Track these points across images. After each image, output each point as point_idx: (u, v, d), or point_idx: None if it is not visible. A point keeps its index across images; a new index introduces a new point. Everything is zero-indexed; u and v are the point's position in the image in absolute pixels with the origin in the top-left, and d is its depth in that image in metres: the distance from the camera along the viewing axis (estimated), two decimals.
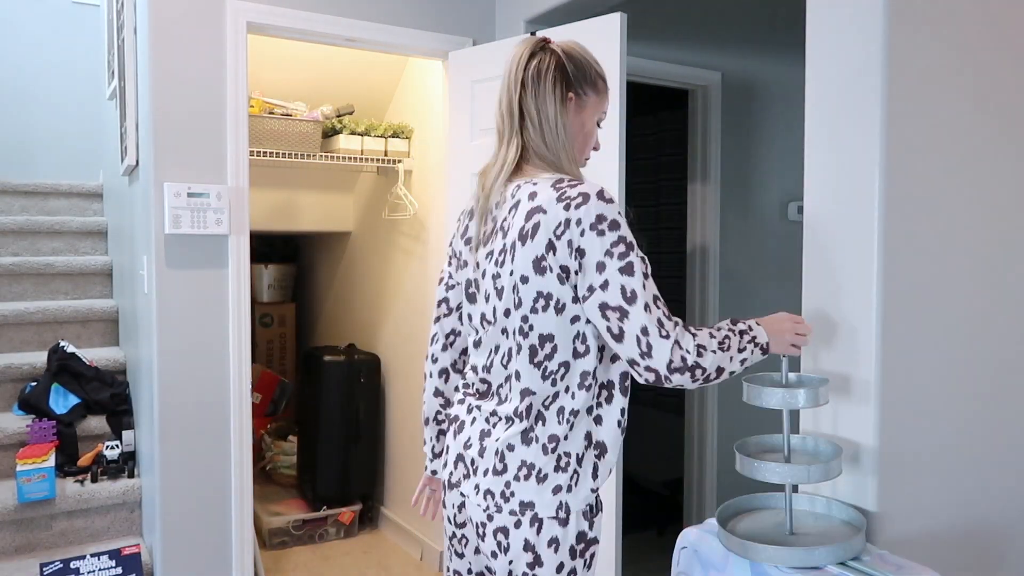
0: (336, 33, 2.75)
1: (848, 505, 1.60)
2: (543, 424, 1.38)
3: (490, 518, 1.41)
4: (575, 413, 1.38)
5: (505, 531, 1.39)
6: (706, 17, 3.35)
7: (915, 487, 1.66)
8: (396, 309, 3.68)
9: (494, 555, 1.42)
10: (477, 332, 1.50)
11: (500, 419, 1.43)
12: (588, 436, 1.39)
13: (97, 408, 3.10)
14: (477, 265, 1.47)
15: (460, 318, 1.61)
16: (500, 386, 1.45)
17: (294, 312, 4.66)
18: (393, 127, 3.50)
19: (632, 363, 1.31)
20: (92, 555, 2.58)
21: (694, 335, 1.31)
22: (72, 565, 2.55)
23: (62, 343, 3.25)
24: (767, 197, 3.59)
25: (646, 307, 1.28)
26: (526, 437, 1.38)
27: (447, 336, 1.64)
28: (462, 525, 1.50)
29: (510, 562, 1.39)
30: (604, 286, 1.30)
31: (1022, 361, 1.87)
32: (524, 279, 1.35)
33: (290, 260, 4.84)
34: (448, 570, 1.62)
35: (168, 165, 2.49)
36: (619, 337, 1.30)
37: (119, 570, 2.59)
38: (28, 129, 4.62)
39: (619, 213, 1.33)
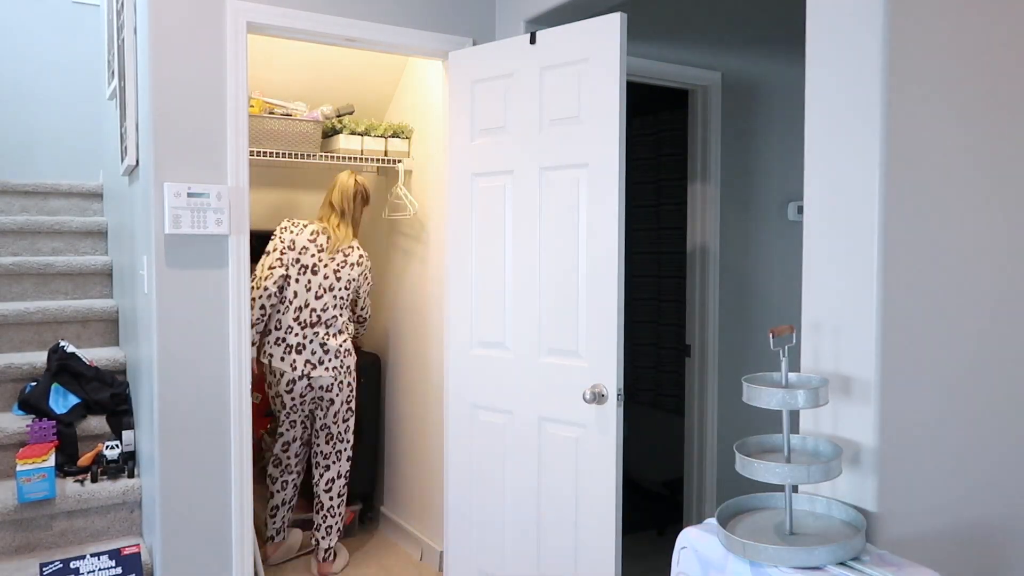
0: (336, 33, 2.75)
1: (848, 505, 1.60)
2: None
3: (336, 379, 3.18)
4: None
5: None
6: (706, 17, 3.35)
7: (915, 487, 1.66)
8: (396, 309, 3.68)
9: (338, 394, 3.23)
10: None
11: (331, 334, 3.18)
12: None
13: (97, 408, 3.10)
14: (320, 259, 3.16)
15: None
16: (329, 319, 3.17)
17: None
18: (393, 127, 3.50)
19: None
20: (92, 555, 2.58)
21: None
22: (72, 565, 2.55)
23: (62, 343, 3.25)
24: (767, 197, 3.59)
25: None
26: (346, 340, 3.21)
27: (274, 283, 3.14)
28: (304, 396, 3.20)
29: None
30: None
31: (1022, 361, 1.87)
32: (350, 279, 3.22)
33: None
34: (284, 445, 3.29)
35: (168, 165, 2.49)
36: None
37: (119, 570, 2.59)
38: (28, 129, 4.62)
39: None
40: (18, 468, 2.65)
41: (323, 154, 3.41)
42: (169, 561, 2.54)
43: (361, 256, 3.24)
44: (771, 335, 1.55)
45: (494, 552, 2.76)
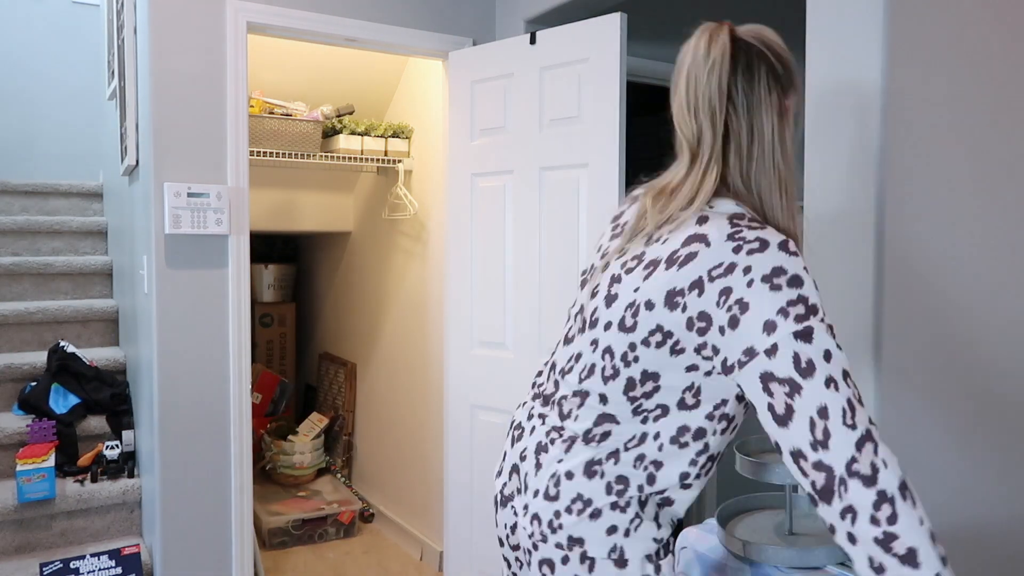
0: (336, 33, 2.75)
1: None
2: (615, 463, 1.16)
3: (535, 547, 1.19)
4: (656, 464, 1.17)
5: (551, 564, 1.17)
6: (706, 17, 3.35)
7: (915, 487, 1.66)
8: (396, 309, 3.68)
9: None
10: (570, 326, 1.28)
11: (561, 437, 1.21)
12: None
13: (97, 408, 3.10)
14: (603, 255, 1.30)
15: None
16: (566, 398, 1.22)
17: (294, 312, 4.67)
18: (393, 127, 3.50)
19: (797, 457, 1.00)
20: (92, 555, 2.58)
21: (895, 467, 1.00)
22: (72, 565, 2.55)
23: (62, 343, 3.25)
24: None
25: (828, 382, 0.99)
26: (590, 469, 1.17)
27: None
28: (516, 547, 1.25)
29: None
30: (771, 351, 1.01)
31: (1022, 361, 1.87)
32: (649, 304, 1.12)
33: (290, 260, 4.84)
34: None
35: (168, 165, 2.49)
36: (783, 419, 1.01)
37: (119, 570, 2.59)
38: (28, 129, 4.62)
39: (804, 269, 1.05)
40: (18, 468, 2.65)
41: (323, 154, 3.41)
42: (169, 561, 2.54)
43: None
44: None
45: (494, 552, 2.76)
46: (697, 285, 1.06)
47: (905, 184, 1.62)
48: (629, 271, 1.16)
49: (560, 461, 1.18)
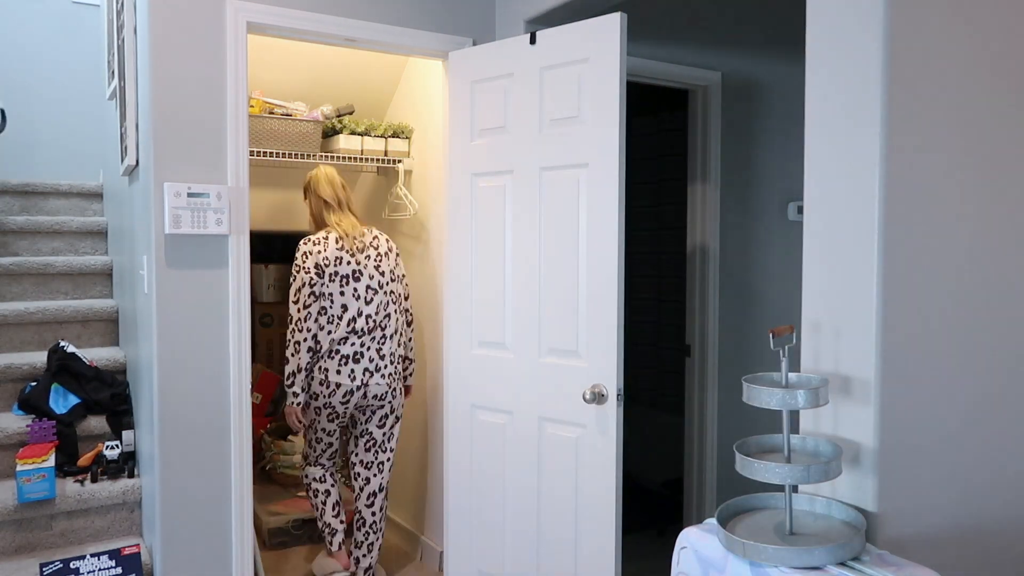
0: (336, 33, 2.75)
1: (848, 505, 1.60)
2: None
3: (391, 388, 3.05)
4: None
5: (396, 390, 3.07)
6: (706, 17, 3.35)
7: (915, 487, 1.66)
8: None
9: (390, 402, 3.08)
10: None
11: (387, 337, 3.04)
12: None
13: (97, 408, 3.10)
14: (356, 261, 3.03)
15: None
16: (381, 321, 3.04)
17: None
18: (393, 127, 3.50)
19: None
20: (92, 555, 2.58)
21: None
22: (72, 565, 2.55)
23: (62, 343, 3.25)
24: (767, 197, 3.59)
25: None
26: (399, 342, 3.10)
27: (316, 314, 2.97)
28: (357, 405, 3.04)
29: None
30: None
31: (1022, 361, 1.87)
32: (392, 268, 3.11)
33: (290, 260, 4.83)
34: (325, 445, 3.09)
35: (168, 165, 2.49)
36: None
37: (119, 570, 2.59)
38: (28, 129, 4.62)
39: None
40: (18, 468, 2.65)
41: (323, 154, 3.41)
42: (169, 561, 2.54)
43: (387, 240, 3.11)
44: (771, 335, 1.55)
45: (494, 552, 2.76)
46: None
47: (905, 184, 1.62)
48: (379, 259, 3.06)
49: (392, 350, 3.08)
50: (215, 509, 2.60)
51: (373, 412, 3.06)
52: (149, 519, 2.72)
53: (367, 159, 3.44)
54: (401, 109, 3.70)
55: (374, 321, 2.99)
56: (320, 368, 2.95)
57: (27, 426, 2.90)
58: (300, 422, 2.96)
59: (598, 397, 2.41)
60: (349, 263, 2.97)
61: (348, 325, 2.94)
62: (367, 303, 2.98)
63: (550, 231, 2.56)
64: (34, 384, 3.11)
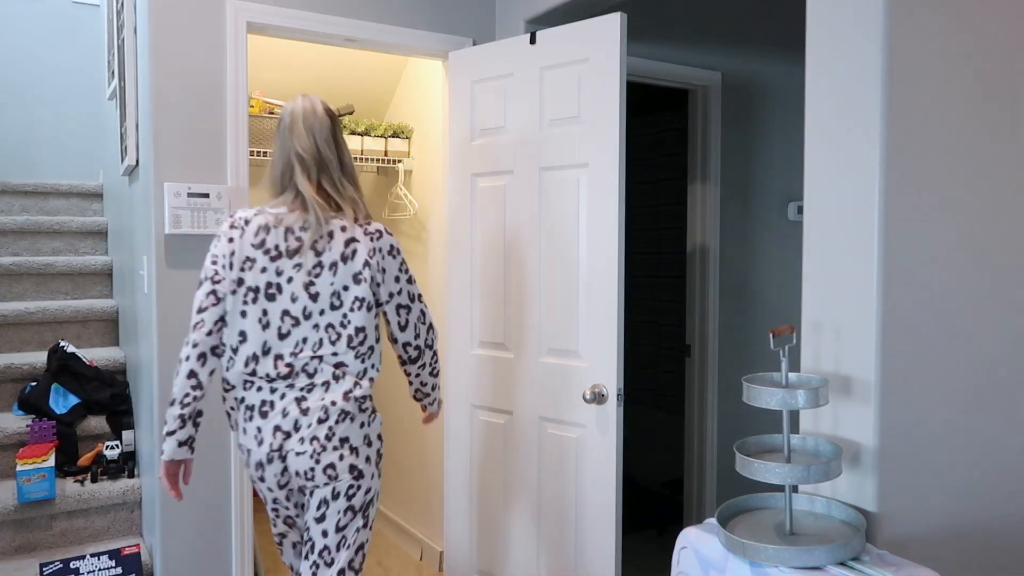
0: (336, 33, 2.75)
1: (848, 505, 1.60)
2: (360, 388, 1.91)
3: (317, 460, 1.86)
4: (372, 380, 1.96)
5: (332, 465, 1.87)
6: (706, 17, 3.35)
7: (915, 487, 1.66)
8: None
9: (326, 484, 1.88)
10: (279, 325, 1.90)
11: (316, 386, 1.89)
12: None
13: (97, 408, 3.10)
14: (277, 271, 1.88)
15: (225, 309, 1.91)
16: (305, 366, 1.89)
17: None
18: (393, 127, 3.50)
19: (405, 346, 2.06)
20: (92, 555, 2.58)
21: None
22: (72, 565, 2.55)
23: (62, 343, 3.25)
24: (767, 197, 3.59)
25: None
26: (347, 396, 1.89)
27: (215, 323, 1.89)
28: (285, 485, 1.93)
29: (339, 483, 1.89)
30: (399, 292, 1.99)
31: (1022, 361, 1.87)
32: (345, 287, 1.89)
33: None
34: (278, 536, 2.09)
35: (168, 165, 2.49)
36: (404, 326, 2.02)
37: (119, 570, 2.59)
38: (28, 129, 4.62)
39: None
40: (18, 468, 2.65)
41: None
42: (169, 561, 2.54)
43: (379, 236, 1.96)
44: (771, 335, 1.55)
45: (494, 552, 2.76)
46: (367, 265, 1.91)
47: (905, 184, 1.62)
48: (314, 275, 1.88)
49: (322, 399, 1.90)
50: (215, 509, 2.60)
51: (309, 495, 1.92)
52: (149, 519, 2.72)
53: (367, 159, 3.44)
54: (401, 109, 3.70)
55: (289, 366, 1.89)
56: (232, 419, 1.99)
57: (27, 426, 2.90)
58: (174, 491, 1.90)
59: (598, 397, 2.41)
60: (266, 269, 1.89)
61: (246, 365, 1.89)
62: (280, 337, 1.89)
63: (550, 231, 2.56)
64: (34, 384, 3.11)
